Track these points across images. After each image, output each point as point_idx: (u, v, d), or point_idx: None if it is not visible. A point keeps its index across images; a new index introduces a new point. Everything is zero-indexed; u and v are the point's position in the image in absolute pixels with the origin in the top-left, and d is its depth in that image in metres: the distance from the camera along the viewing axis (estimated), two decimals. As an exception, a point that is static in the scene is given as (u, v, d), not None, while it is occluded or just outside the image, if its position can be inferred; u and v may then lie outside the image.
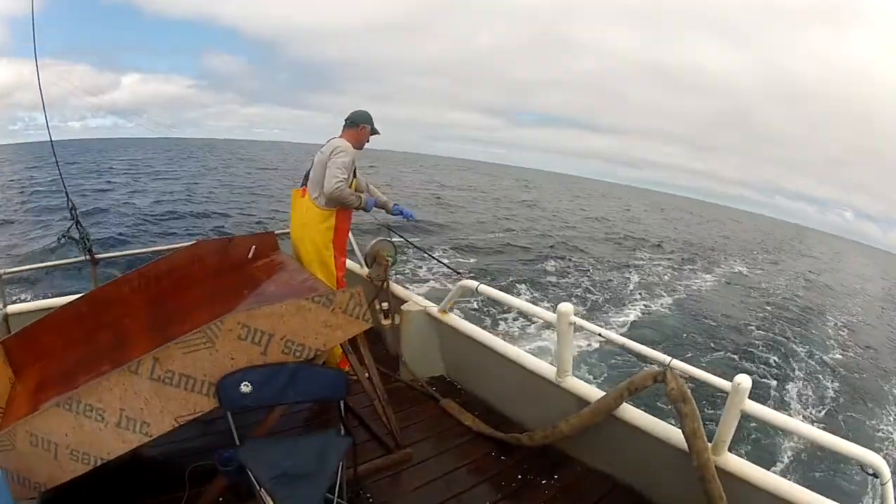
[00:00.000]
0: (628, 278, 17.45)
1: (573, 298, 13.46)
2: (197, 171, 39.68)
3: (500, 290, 3.46)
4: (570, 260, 18.75)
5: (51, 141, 3.61)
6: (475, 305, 10.18)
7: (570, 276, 16.46)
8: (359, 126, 3.60)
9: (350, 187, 3.50)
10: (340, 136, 3.58)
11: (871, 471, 2.07)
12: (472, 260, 16.24)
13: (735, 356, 11.31)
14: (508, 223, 26.10)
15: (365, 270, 4.28)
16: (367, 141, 3.69)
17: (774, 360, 11.55)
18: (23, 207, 20.10)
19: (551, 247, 20.80)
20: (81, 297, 3.15)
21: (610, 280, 16.78)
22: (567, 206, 44.37)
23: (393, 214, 3.95)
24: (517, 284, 14.04)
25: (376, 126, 3.70)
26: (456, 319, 3.79)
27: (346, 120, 3.62)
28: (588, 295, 14.51)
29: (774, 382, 10.31)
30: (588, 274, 17.06)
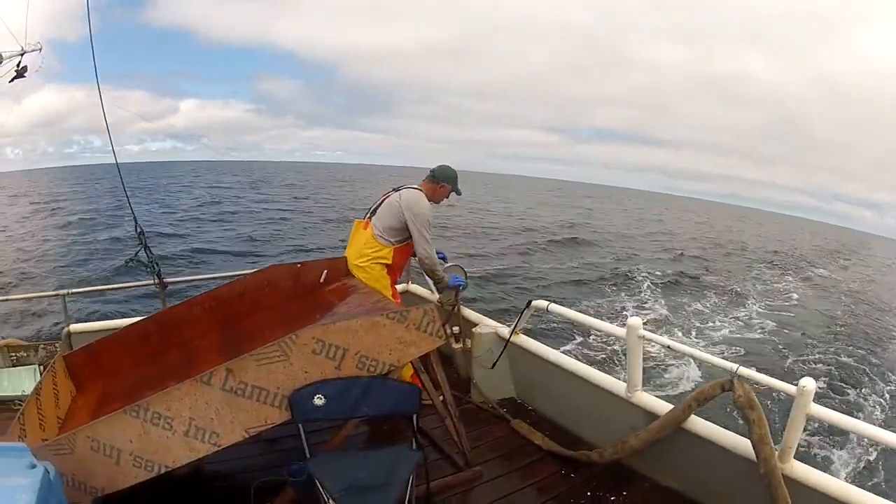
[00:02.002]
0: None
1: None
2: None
3: None
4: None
5: (118, 167, 3.67)
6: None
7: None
8: (439, 184, 3.51)
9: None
10: (418, 187, 3.49)
11: None
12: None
13: (812, 360, 11.22)
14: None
15: (435, 295, 4.22)
16: (448, 197, 3.60)
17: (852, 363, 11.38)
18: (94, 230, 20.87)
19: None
20: (150, 317, 3.13)
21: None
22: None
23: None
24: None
25: (447, 172, 3.55)
26: (526, 340, 3.69)
27: (431, 171, 3.53)
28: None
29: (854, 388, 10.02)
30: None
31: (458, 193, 3.61)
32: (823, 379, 10.19)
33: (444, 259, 3.99)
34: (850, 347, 12.96)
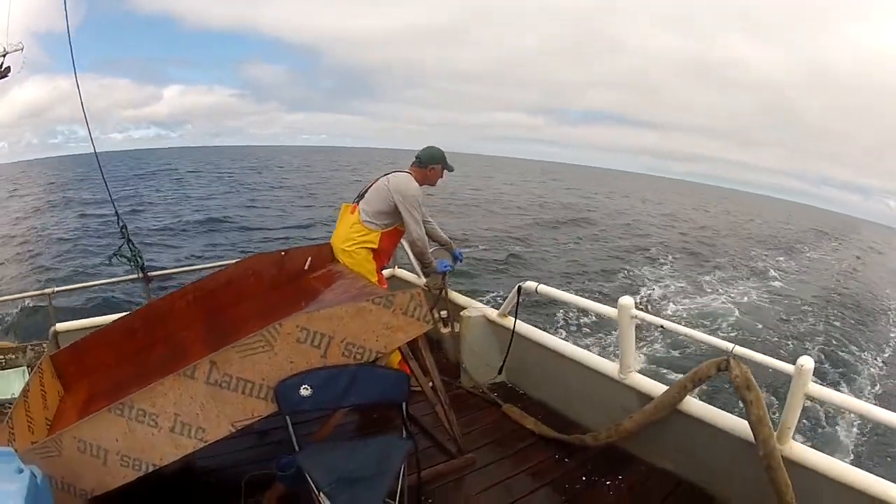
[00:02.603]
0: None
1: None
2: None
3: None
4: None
5: (97, 156, 3.58)
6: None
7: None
8: (427, 166, 3.43)
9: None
10: (408, 171, 3.43)
11: None
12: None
13: (798, 340, 11.26)
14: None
15: (422, 280, 4.15)
16: (441, 177, 3.52)
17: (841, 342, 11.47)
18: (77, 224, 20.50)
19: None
20: (134, 311, 3.06)
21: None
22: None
23: (455, 258, 3.86)
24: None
25: (427, 150, 3.47)
26: (517, 323, 3.61)
27: (416, 157, 3.46)
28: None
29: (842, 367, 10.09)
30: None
31: (451, 170, 3.54)
32: (819, 349, 10.41)
33: (459, 259, 3.91)
34: (843, 321, 13.30)
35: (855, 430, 7.07)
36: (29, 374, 3.21)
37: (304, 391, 2.17)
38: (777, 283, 17.50)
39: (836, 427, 7.10)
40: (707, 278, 16.36)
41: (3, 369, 3.60)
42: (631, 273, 15.73)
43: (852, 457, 6.51)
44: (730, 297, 14.33)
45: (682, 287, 14.70)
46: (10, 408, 2.33)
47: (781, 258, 23.63)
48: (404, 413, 2.30)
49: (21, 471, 1.60)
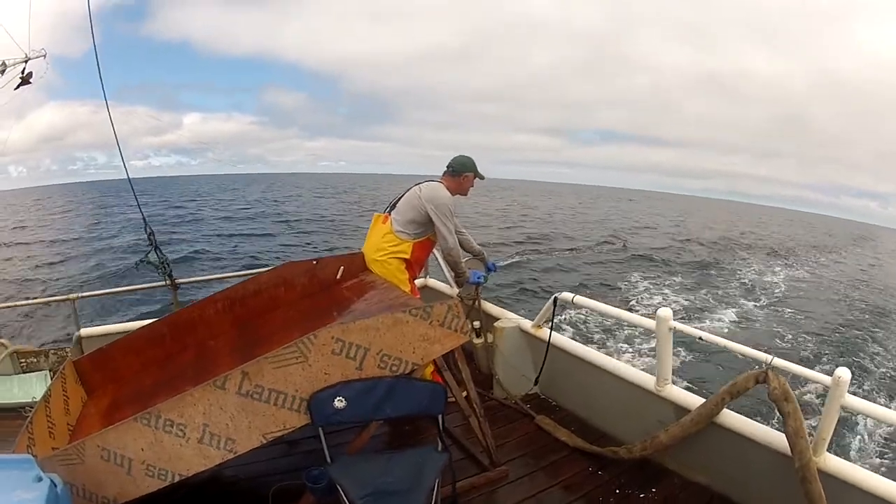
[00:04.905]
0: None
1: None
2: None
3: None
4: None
5: (128, 177, 3.61)
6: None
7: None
8: (461, 175, 3.36)
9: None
10: (440, 181, 3.36)
11: None
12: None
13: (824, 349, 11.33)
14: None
15: (455, 290, 4.07)
16: (472, 185, 3.45)
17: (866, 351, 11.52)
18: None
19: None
20: (162, 318, 2.98)
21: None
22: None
23: (488, 269, 3.80)
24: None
25: (452, 160, 3.42)
26: (552, 334, 3.53)
27: (448, 166, 3.39)
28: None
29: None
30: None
31: (482, 178, 3.45)
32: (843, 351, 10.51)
33: (492, 270, 3.85)
34: (866, 318, 13.99)
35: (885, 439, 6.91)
36: (51, 378, 3.14)
37: (339, 403, 2.08)
38: (810, 283, 19.41)
39: (877, 437, 6.92)
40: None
41: (25, 373, 3.55)
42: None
43: (887, 468, 6.33)
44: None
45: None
46: (30, 411, 2.27)
47: (814, 261, 26.39)
48: (440, 426, 2.22)
49: (40, 479, 1.55)
